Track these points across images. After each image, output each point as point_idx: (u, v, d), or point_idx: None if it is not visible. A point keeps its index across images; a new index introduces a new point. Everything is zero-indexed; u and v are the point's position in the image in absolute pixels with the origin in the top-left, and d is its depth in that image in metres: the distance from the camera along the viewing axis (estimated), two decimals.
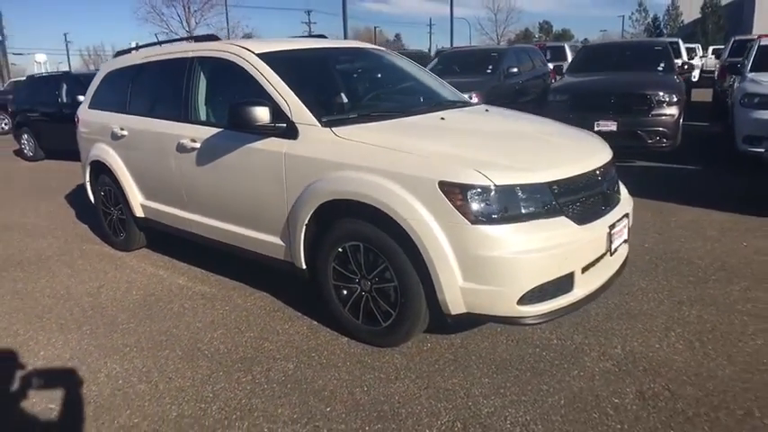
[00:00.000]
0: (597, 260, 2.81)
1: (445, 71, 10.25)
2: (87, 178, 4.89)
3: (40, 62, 37.58)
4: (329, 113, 3.22)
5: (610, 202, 2.96)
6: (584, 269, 2.72)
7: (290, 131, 3.10)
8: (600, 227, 2.78)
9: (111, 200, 4.66)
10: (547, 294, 2.60)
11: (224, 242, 3.69)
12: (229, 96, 3.56)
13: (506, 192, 2.53)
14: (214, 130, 3.52)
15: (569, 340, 2.95)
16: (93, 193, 4.93)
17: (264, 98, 3.19)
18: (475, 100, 8.73)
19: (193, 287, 3.92)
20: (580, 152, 3.02)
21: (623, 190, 3.30)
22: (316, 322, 3.28)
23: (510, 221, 2.52)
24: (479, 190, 2.50)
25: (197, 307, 3.60)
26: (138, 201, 4.37)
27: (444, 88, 4.23)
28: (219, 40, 3.93)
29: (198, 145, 3.60)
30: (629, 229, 3.08)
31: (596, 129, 7.13)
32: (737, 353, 2.76)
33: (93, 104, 4.79)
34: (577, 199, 2.74)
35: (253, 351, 3.03)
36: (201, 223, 3.80)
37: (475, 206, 2.50)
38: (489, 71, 9.54)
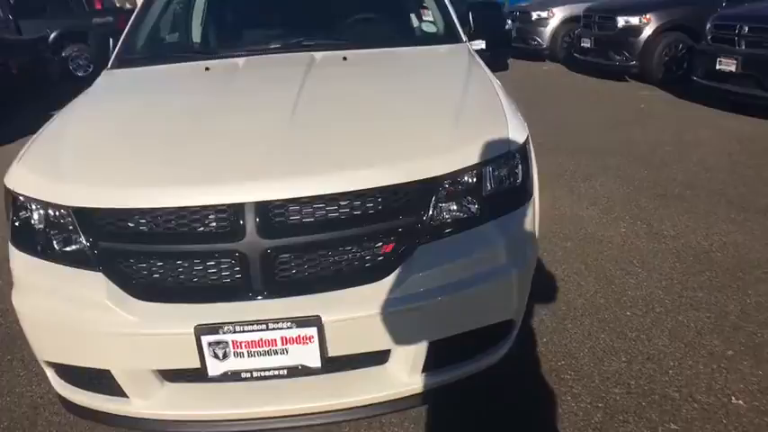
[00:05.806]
0: (200, 375, 1.58)
1: None
2: None
3: None
4: (145, 52, 2.78)
5: (266, 280, 1.52)
6: (174, 376, 1.67)
7: None
8: (178, 318, 1.52)
9: None
10: (81, 382, 1.74)
11: None
12: None
13: (25, 205, 1.68)
14: None
15: None
16: None
17: None
18: (650, 24, 7.88)
19: None
20: (244, 164, 1.59)
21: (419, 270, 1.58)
22: None
23: (30, 251, 1.67)
24: (9, 193, 1.75)
25: None
26: None
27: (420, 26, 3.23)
28: None
29: None
30: (324, 352, 1.54)
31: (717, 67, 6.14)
32: None
33: None
34: (155, 252, 1.56)
35: None
36: None
37: (10, 211, 1.76)
38: None
